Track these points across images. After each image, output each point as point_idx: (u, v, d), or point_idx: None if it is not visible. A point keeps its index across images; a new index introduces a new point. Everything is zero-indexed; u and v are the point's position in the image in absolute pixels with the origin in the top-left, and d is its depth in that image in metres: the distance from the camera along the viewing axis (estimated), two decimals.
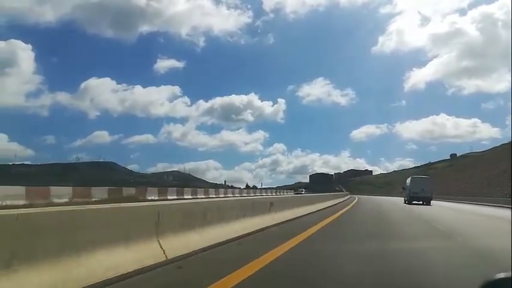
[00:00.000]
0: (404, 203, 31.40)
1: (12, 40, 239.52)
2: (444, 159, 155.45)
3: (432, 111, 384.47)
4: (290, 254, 5.29)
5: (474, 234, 9.57)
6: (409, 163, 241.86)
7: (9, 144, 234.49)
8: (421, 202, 30.09)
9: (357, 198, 41.97)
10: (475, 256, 5.87)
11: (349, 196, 46.11)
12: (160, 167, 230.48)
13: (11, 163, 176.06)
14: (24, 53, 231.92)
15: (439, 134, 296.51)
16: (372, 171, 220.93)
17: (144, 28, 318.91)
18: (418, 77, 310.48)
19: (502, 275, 1.20)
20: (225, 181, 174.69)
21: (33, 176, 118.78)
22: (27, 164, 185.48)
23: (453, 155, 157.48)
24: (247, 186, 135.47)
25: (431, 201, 30.87)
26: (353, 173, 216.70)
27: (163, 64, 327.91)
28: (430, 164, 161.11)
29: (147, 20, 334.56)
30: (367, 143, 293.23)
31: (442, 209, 23.20)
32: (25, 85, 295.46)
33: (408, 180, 34.02)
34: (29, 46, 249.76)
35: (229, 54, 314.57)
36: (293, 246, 5.92)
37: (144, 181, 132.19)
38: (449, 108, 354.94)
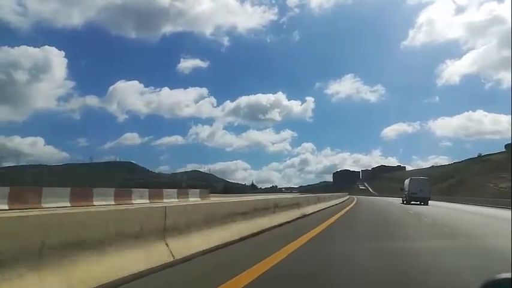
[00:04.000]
0: (402, 203, 32.20)
1: (47, 47, 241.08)
2: (499, 152, 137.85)
3: (468, 107, 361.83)
4: None
5: (476, 234, 9.42)
6: (443, 161, 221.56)
7: (45, 147, 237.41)
8: (418, 202, 30.97)
9: (355, 199, 36.31)
10: (475, 256, 5.85)
11: (346, 197, 38.13)
12: (190, 168, 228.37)
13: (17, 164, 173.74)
14: (57, 59, 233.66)
15: (475, 130, 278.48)
16: (405, 167, 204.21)
17: (168, 28, 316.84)
18: (452, 71, 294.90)
19: (502, 275, 1.22)
20: (245, 183, 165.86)
21: (38, 177, 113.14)
22: (44, 165, 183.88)
23: (509, 146, 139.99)
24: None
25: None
26: (383, 169, 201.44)
27: (189, 64, 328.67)
28: (481, 156, 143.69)
29: (171, 20, 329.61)
30: (398, 141, 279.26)
31: None
32: (57, 89, 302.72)
33: (407, 182, 34.71)
34: (62, 52, 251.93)
35: (255, 52, 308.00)
36: None
37: (156, 181, 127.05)
38: (486, 104, 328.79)
